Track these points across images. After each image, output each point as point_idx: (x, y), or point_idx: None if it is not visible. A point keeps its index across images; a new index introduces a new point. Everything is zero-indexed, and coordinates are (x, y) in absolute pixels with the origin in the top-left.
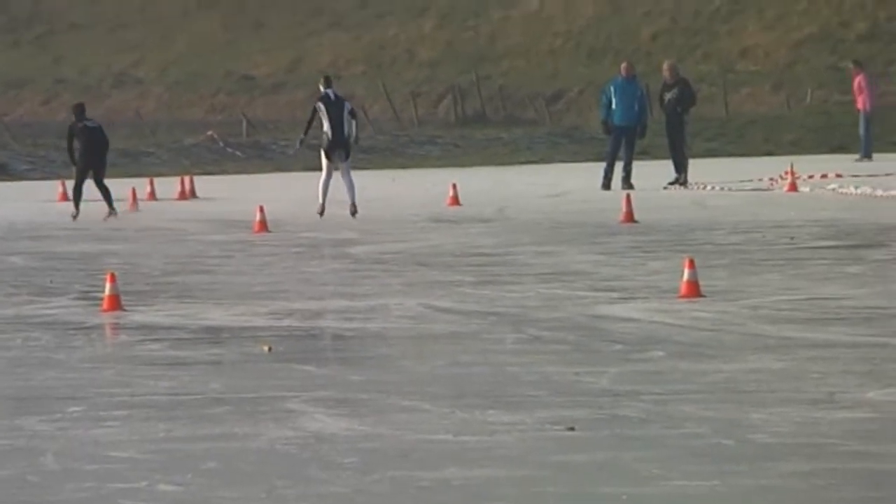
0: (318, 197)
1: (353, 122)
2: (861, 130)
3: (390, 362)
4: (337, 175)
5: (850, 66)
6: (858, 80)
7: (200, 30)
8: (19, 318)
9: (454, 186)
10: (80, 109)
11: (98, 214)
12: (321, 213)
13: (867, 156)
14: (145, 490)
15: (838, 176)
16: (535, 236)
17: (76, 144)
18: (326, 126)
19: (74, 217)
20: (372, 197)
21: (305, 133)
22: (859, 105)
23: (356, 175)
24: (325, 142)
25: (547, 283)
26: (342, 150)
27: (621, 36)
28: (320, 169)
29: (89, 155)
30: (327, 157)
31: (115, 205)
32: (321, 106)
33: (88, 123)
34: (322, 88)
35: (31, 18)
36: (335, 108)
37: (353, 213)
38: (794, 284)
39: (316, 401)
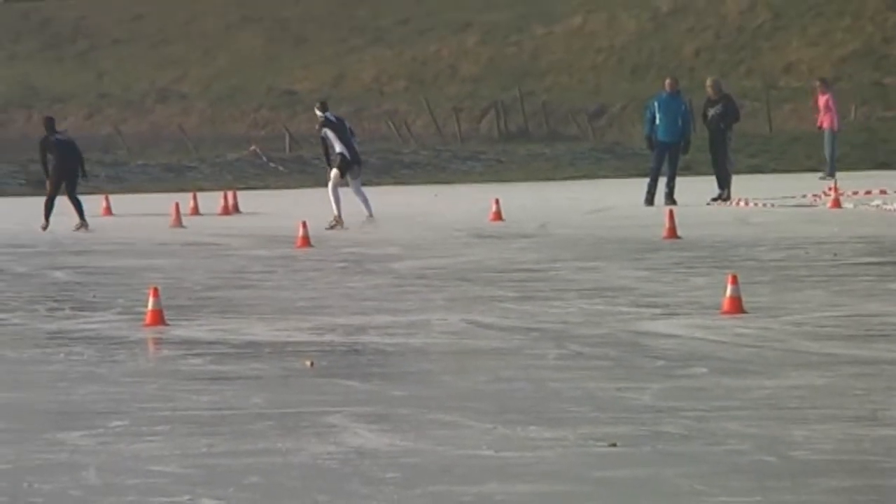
0: (333, 210)
1: (355, 140)
2: (827, 149)
3: (432, 378)
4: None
5: (817, 84)
6: (826, 100)
7: (243, 45)
8: (62, 332)
9: (497, 202)
10: (49, 123)
11: (118, 230)
12: (339, 223)
13: (831, 174)
14: None
15: (882, 192)
16: (578, 252)
17: (49, 158)
18: (340, 147)
19: (44, 229)
20: (415, 212)
21: (330, 163)
22: (825, 124)
23: (400, 191)
24: (340, 161)
25: (589, 299)
26: (358, 167)
27: (664, 52)
28: (362, 184)
29: (62, 168)
30: (341, 174)
31: (87, 217)
32: (328, 132)
33: (59, 137)
34: (320, 113)
35: (74, 34)
36: (341, 128)
37: (370, 217)
38: (838, 301)
39: (358, 416)
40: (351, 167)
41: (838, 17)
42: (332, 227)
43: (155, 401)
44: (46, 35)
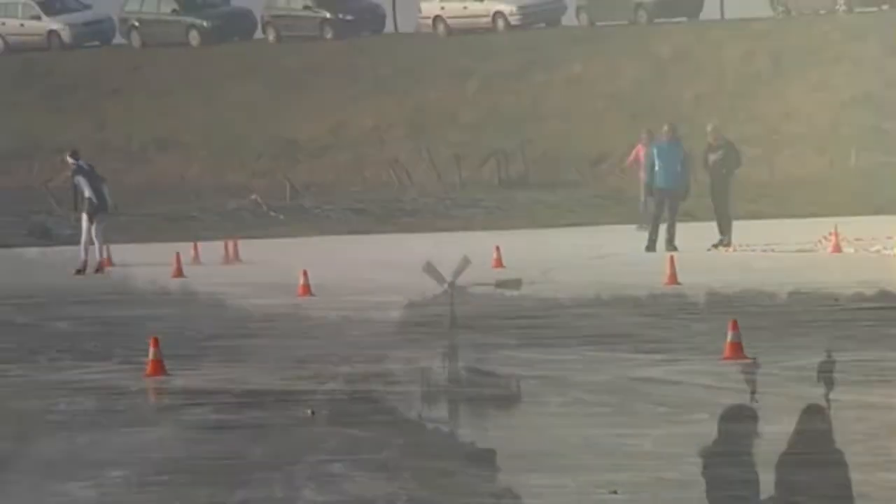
0: (80, 255)
1: (106, 188)
2: None
3: (433, 426)
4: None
5: (643, 135)
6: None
7: (243, 94)
8: (64, 382)
9: (497, 249)
10: None
11: (119, 280)
12: (84, 270)
13: None
14: None
15: (888, 238)
16: (579, 298)
17: None
18: (88, 192)
19: None
20: (415, 260)
21: (76, 208)
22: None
23: (405, 237)
24: (88, 206)
25: (590, 346)
26: (104, 213)
27: (664, 98)
28: (363, 232)
29: None
30: (90, 219)
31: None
32: (81, 179)
33: None
34: (72, 160)
35: (74, 84)
36: (92, 176)
37: (101, 269)
38: (838, 346)
39: (358, 464)
40: (98, 212)
41: (837, 63)
42: (79, 272)
43: (155, 450)
44: (46, 85)
